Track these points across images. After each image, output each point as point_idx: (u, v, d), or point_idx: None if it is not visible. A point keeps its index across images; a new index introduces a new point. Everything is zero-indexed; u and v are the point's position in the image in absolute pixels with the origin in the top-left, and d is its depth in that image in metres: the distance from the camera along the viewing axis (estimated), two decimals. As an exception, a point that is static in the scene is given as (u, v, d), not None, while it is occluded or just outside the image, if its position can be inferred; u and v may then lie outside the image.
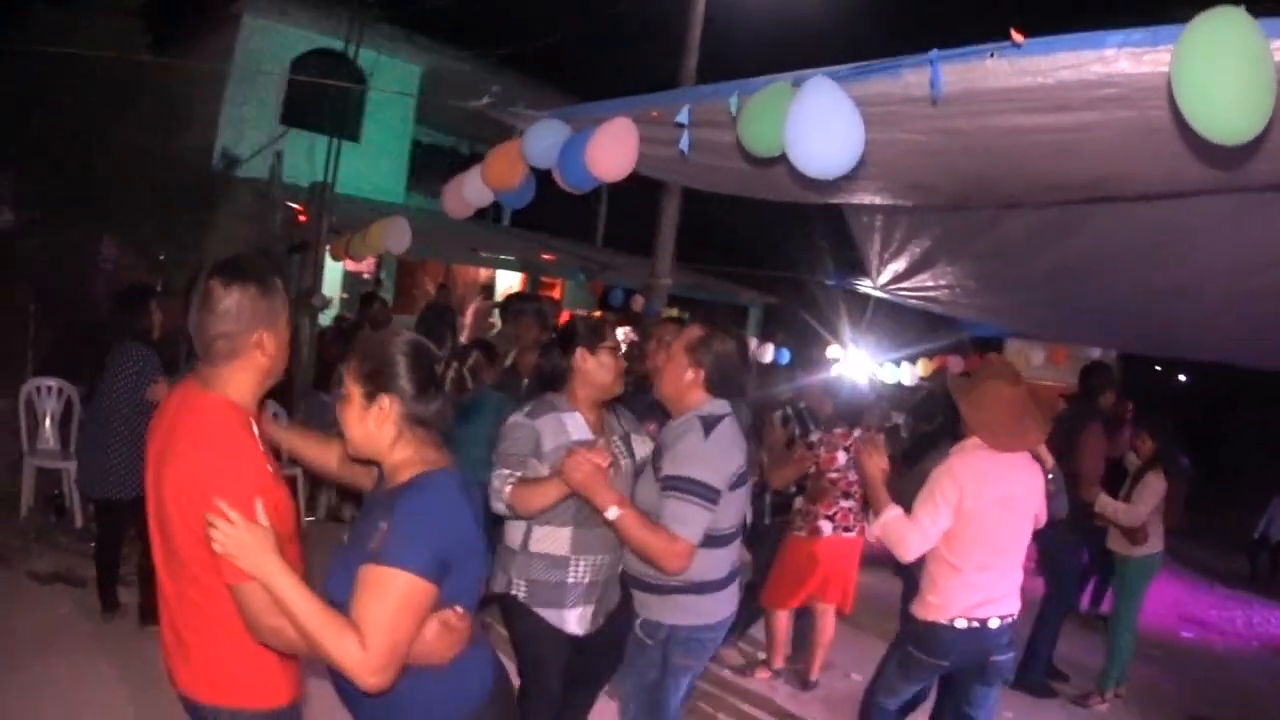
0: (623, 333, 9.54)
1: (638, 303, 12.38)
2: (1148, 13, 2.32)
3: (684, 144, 3.65)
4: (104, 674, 4.44)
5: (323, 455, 2.69)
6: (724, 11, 10.97)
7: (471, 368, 5.16)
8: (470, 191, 5.53)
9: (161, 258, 9.39)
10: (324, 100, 12.10)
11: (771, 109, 2.91)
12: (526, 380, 5.19)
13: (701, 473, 2.98)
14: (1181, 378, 22.82)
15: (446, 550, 2.00)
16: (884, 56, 2.84)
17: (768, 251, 18.29)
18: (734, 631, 5.63)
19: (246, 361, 2.10)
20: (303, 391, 8.81)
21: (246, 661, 2.06)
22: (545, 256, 15.86)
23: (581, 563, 3.20)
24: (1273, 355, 6.46)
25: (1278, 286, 4.72)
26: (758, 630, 5.81)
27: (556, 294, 17.52)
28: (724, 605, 3.25)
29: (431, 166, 16.56)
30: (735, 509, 3.20)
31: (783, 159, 2.94)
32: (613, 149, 4.02)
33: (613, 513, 2.87)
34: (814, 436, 5.27)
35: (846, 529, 5.22)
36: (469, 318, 13.03)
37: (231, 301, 2.05)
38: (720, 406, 3.20)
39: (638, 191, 10.38)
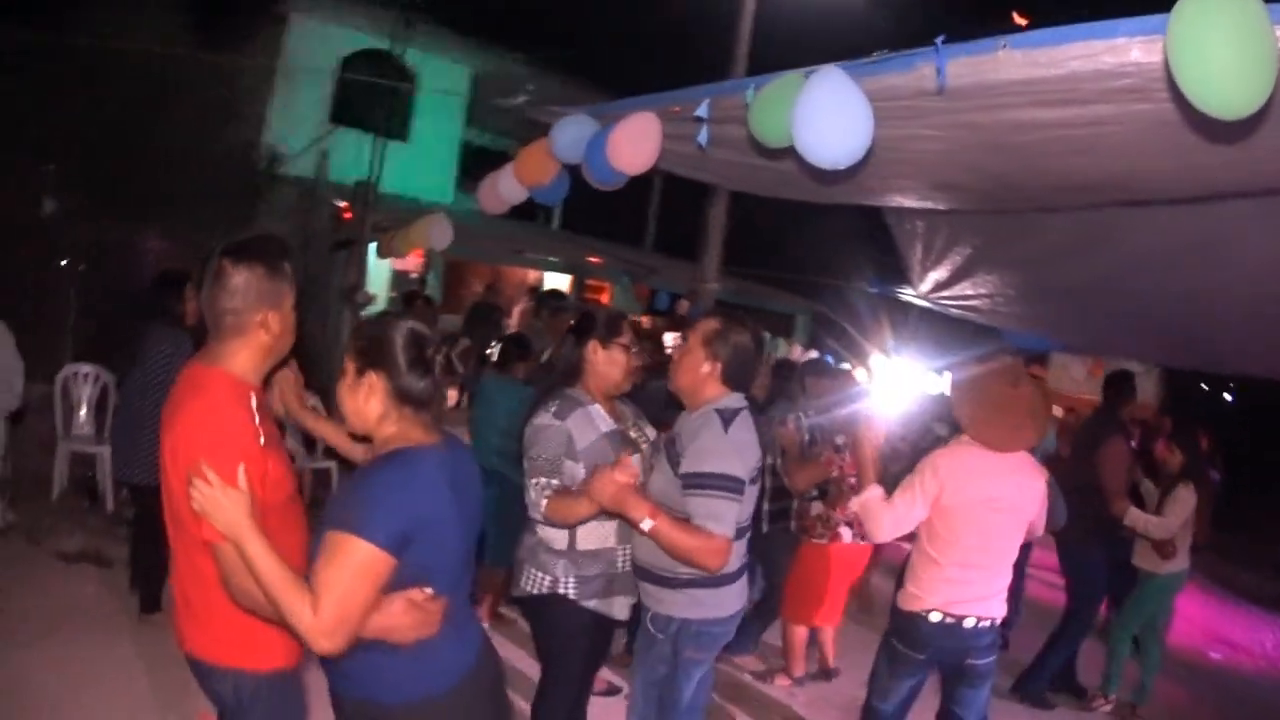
0: (671, 338, 9.51)
1: (683, 307, 12.33)
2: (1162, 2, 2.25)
3: (702, 138, 3.66)
4: (122, 653, 4.51)
5: (349, 443, 2.79)
6: (773, 13, 10.90)
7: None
8: (505, 188, 5.58)
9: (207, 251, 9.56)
10: (373, 100, 12.23)
11: (781, 99, 2.89)
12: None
13: (725, 466, 2.97)
14: (1227, 396, 22.23)
15: (409, 524, 2.01)
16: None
17: (816, 258, 18.13)
18: (751, 639, 5.60)
19: (251, 339, 2.21)
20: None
21: (243, 623, 2.13)
22: (591, 259, 15.88)
23: (624, 550, 3.24)
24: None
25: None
26: (770, 635, 5.76)
27: (605, 297, 17.57)
28: (735, 598, 3.23)
29: (481, 167, 16.48)
30: (749, 504, 3.17)
31: (796, 154, 2.93)
32: (634, 143, 4.04)
33: (647, 524, 2.88)
34: (840, 439, 5.19)
35: (864, 535, 5.14)
36: (515, 318, 13.10)
37: (239, 280, 2.16)
38: (736, 400, 3.18)
39: (688, 196, 10.39)
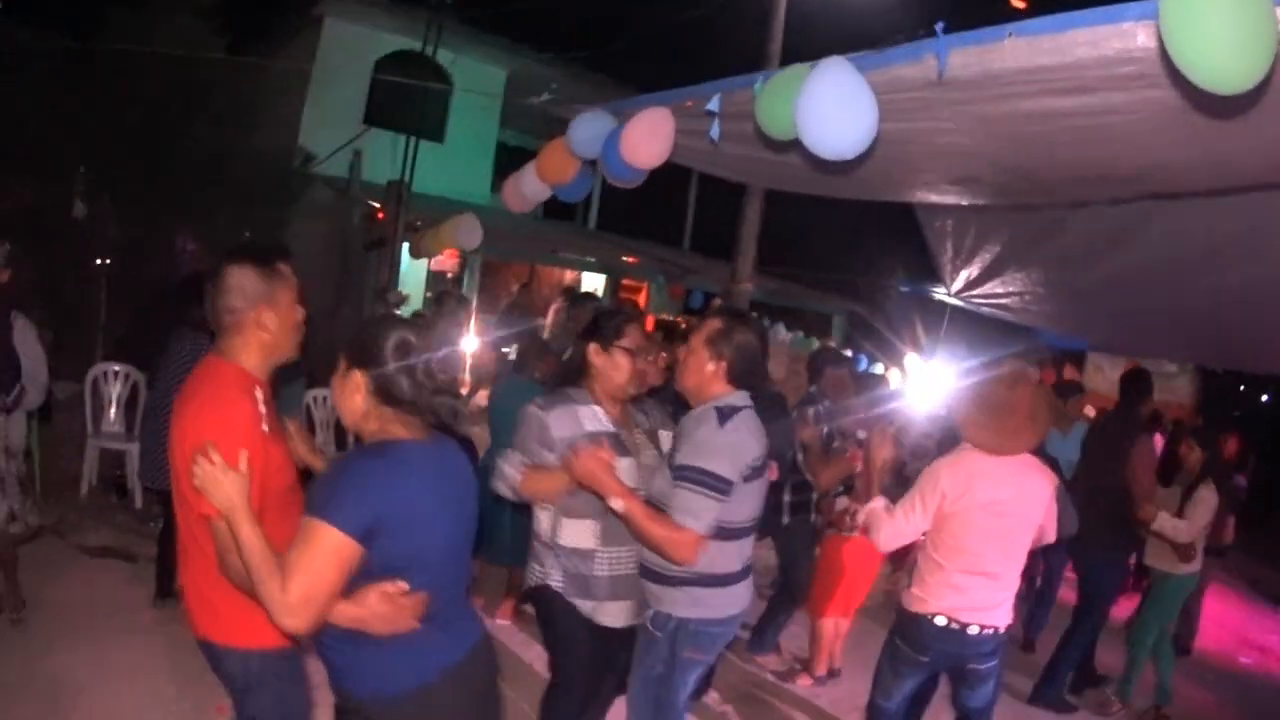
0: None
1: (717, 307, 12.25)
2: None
3: (714, 132, 3.64)
4: (142, 646, 4.55)
5: None
6: (807, 9, 10.81)
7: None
8: (528, 187, 5.62)
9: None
10: (407, 101, 12.29)
11: (785, 91, 2.85)
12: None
13: (713, 463, 2.93)
14: (1264, 397, 21.68)
15: (378, 514, 2.04)
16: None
17: (854, 258, 17.97)
18: (772, 638, 5.56)
19: (250, 336, 2.38)
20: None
21: (245, 603, 2.20)
22: (627, 259, 15.87)
23: (607, 556, 3.19)
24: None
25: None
26: (784, 638, 5.71)
27: (641, 297, 17.53)
28: (736, 599, 3.18)
29: (517, 168, 16.67)
30: (751, 502, 3.12)
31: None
32: (647, 138, 4.05)
33: (617, 504, 2.89)
34: (863, 434, 5.13)
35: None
36: (550, 317, 13.07)
37: (234, 280, 2.35)
38: (740, 398, 3.13)
39: (725, 195, 10.33)
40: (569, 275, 16.60)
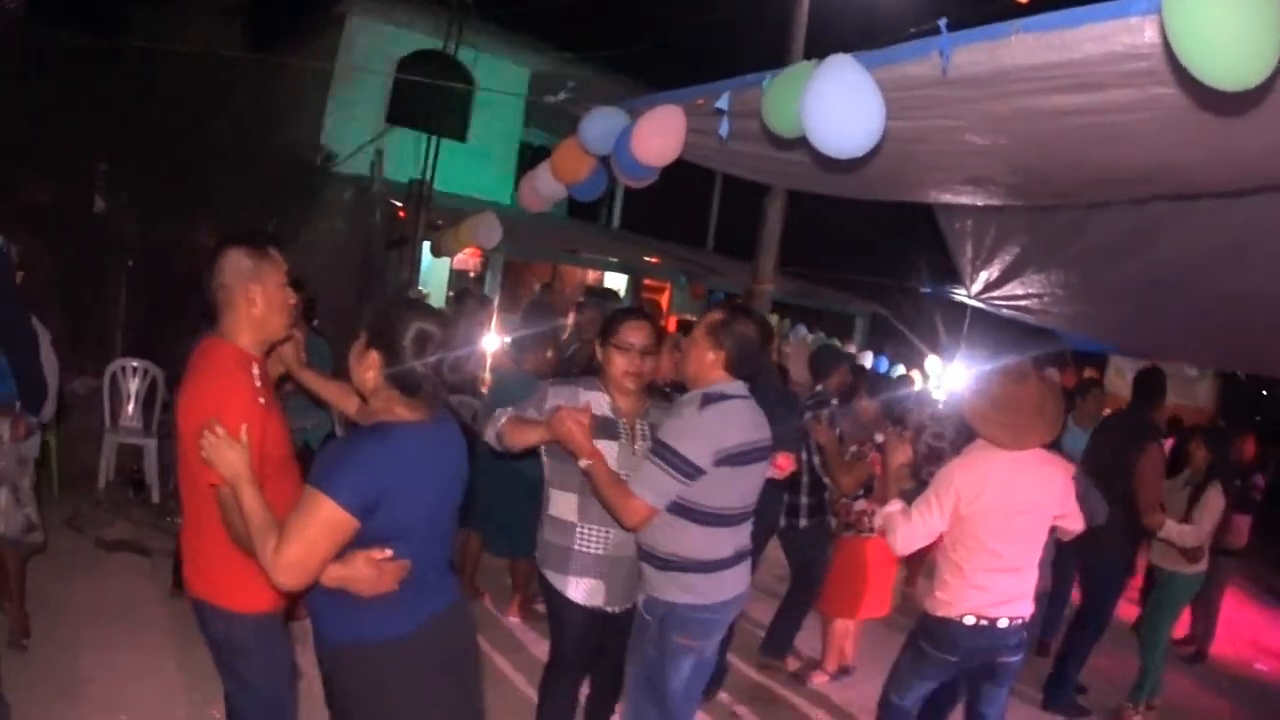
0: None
1: (736, 306, 12.19)
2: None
3: (723, 129, 3.63)
4: (153, 638, 4.59)
5: (342, 399, 3.12)
6: (830, 7, 10.75)
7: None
8: (543, 185, 5.61)
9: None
10: (429, 100, 12.35)
11: (790, 88, 2.84)
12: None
13: (682, 445, 3.00)
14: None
15: (374, 492, 2.20)
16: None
17: (877, 260, 17.87)
18: (788, 641, 5.54)
19: (241, 312, 2.57)
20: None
21: (235, 567, 2.42)
22: (649, 259, 15.85)
23: (588, 531, 3.32)
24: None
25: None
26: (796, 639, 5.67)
27: (664, 297, 17.48)
28: (726, 586, 3.20)
29: (541, 168, 16.70)
30: (735, 490, 3.15)
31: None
32: (657, 136, 4.05)
33: (584, 462, 3.05)
34: (879, 438, 5.09)
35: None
36: (571, 317, 13.07)
37: (225, 260, 2.56)
38: (734, 387, 3.18)
39: (749, 196, 10.29)
40: (591, 275, 16.60)
